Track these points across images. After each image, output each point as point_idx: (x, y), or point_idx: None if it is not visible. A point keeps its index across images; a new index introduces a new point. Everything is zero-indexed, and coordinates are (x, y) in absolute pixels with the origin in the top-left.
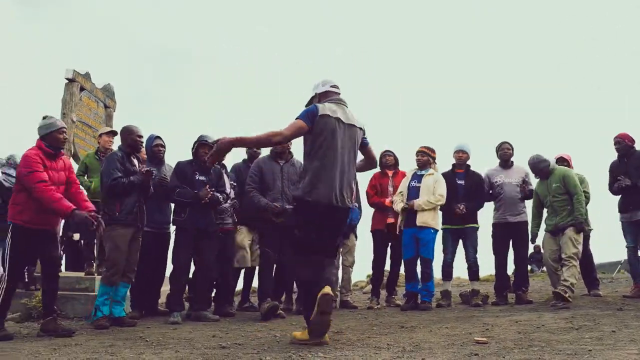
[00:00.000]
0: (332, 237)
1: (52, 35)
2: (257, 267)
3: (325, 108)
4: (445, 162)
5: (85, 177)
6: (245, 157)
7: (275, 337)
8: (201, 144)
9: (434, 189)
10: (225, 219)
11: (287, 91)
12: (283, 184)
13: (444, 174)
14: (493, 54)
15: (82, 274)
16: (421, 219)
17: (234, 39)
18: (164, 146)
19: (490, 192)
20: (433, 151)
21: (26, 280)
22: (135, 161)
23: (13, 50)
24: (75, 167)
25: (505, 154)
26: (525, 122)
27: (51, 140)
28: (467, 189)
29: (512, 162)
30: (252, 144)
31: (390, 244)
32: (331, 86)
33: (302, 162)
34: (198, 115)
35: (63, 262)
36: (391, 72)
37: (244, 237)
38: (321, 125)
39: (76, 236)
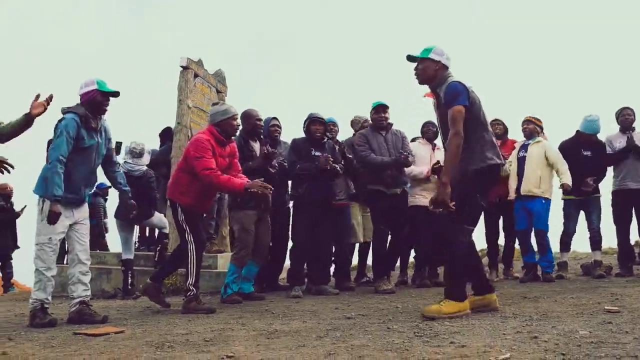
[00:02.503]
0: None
1: (162, 26)
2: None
3: (464, 82)
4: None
5: None
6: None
7: (398, 308)
8: (312, 121)
9: (545, 159)
10: (339, 194)
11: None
12: (390, 152)
13: (565, 142)
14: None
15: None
16: (525, 187)
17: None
18: (280, 127)
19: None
20: (539, 120)
21: (156, 259)
22: (256, 145)
23: (128, 42)
24: None
25: (626, 120)
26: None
27: (226, 127)
28: (593, 160)
29: (634, 127)
30: (451, 168)
31: (501, 216)
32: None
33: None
34: (297, 95)
35: None
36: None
37: (356, 212)
38: (473, 98)
39: None
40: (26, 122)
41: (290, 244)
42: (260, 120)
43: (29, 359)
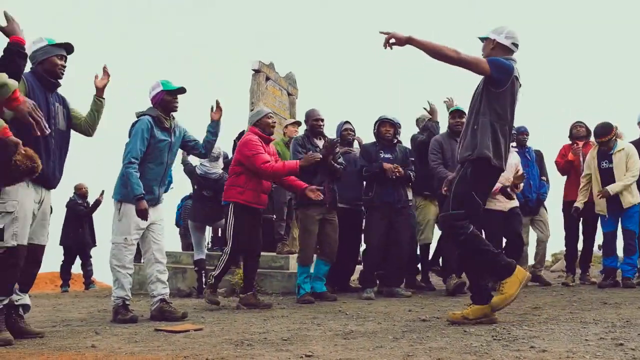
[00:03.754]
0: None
1: (232, 27)
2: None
3: (517, 69)
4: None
5: None
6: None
7: None
8: (382, 123)
9: (626, 166)
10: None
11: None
12: None
13: (634, 142)
14: None
15: (274, 253)
16: (625, 200)
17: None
18: (353, 130)
19: None
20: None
21: None
22: (320, 142)
23: (199, 43)
24: None
25: None
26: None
27: (263, 125)
28: None
29: None
30: (425, 48)
31: (582, 217)
32: (513, 44)
33: (472, 117)
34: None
35: None
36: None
37: (429, 211)
38: (510, 86)
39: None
40: (98, 101)
41: (362, 245)
42: (318, 120)
43: (116, 352)
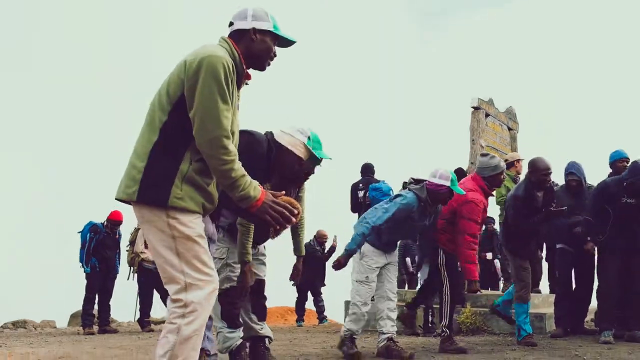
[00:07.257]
0: None
1: (450, 62)
2: None
3: None
4: None
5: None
6: None
7: None
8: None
9: None
10: None
11: None
12: None
13: None
14: None
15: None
16: None
17: None
18: (576, 180)
19: None
20: None
21: None
22: (541, 194)
23: (415, 77)
24: None
25: None
26: None
27: (492, 181)
28: None
29: None
30: None
31: None
32: None
33: None
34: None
35: None
36: None
37: None
38: None
39: (489, 255)
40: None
41: (595, 284)
42: (545, 173)
43: None
